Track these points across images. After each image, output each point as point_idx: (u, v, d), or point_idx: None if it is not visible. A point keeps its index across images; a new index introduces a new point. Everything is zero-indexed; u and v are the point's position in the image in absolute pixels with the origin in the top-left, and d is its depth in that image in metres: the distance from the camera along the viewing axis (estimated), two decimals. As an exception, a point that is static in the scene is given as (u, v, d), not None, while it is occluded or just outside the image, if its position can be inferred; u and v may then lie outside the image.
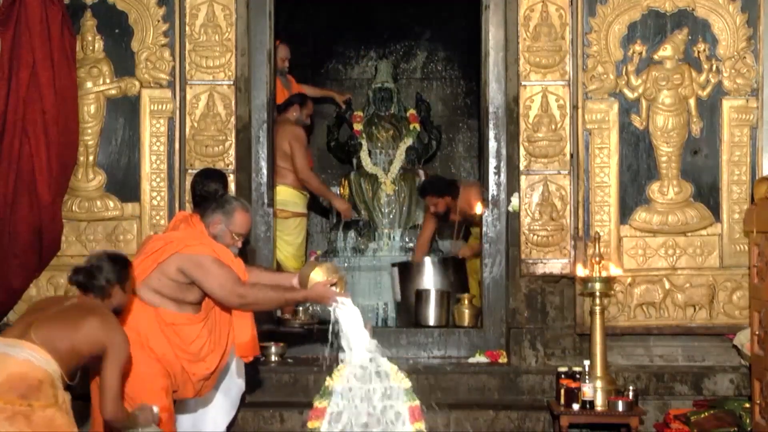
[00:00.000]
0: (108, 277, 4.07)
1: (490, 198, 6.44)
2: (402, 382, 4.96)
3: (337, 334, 4.68)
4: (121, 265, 4.14)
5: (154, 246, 4.60)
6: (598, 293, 5.60)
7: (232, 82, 6.28)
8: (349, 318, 4.62)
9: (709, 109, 6.20)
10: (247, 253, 6.31)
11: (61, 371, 3.88)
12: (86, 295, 4.09)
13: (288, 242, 7.35)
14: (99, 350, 3.91)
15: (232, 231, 4.66)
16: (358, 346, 4.62)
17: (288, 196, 7.33)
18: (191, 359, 4.58)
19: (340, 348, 4.69)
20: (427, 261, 7.48)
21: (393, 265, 7.71)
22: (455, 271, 7.48)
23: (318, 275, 4.66)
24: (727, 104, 6.19)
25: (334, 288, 4.64)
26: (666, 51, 6.21)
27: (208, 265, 4.52)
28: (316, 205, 8.40)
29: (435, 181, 7.99)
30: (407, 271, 7.50)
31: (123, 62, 6.31)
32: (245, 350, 4.82)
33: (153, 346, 4.50)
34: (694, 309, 6.15)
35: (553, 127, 6.19)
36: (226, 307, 4.67)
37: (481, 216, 6.56)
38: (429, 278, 7.35)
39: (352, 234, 8.54)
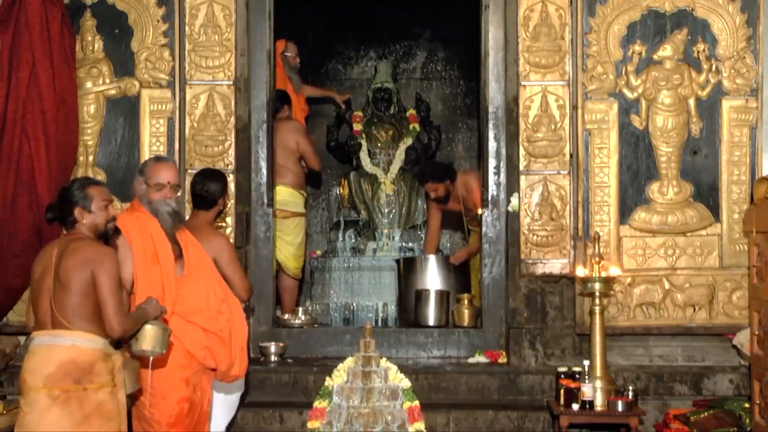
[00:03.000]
0: (70, 201, 4.18)
1: (489, 198, 6.44)
2: (401, 382, 4.97)
3: None
4: (77, 186, 4.22)
5: None
6: (597, 293, 5.60)
7: (231, 82, 6.28)
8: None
9: (709, 109, 6.20)
10: (246, 253, 6.33)
11: (104, 339, 4.05)
12: (63, 234, 4.21)
13: (288, 242, 7.36)
14: (92, 279, 4.00)
15: (152, 184, 4.61)
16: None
17: (288, 195, 7.34)
18: (208, 316, 4.54)
19: None
20: (431, 259, 7.48)
21: (396, 261, 7.73)
22: (457, 270, 7.48)
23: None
24: (726, 104, 6.19)
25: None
26: (666, 51, 6.21)
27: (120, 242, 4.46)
28: (316, 204, 8.40)
29: (433, 166, 8.05)
30: (410, 268, 7.51)
31: (122, 62, 6.31)
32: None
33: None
34: (694, 309, 6.15)
35: (553, 127, 6.19)
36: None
37: (481, 216, 6.56)
38: (432, 276, 7.34)
39: (351, 234, 8.54)
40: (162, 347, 4.18)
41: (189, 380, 4.52)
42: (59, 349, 4.00)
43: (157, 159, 4.86)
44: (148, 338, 4.13)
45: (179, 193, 4.71)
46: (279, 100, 7.63)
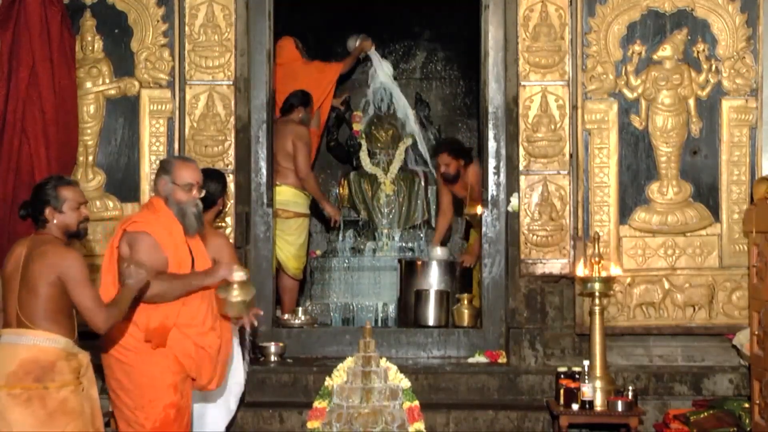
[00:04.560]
0: (42, 200, 4.21)
1: (489, 198, 6.44)
2: (401, 382, 4.98)
3: None
4: (50, 186, 4.23)
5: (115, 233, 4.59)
6: (597, 293, 5.61)
7: (231, 82, 6.28)
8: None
9: (709, 109, 6.20)
10: (246, 253, 6.33)
11: (67, 338, 4.06)
12: (33, 233, 4.22)
13: (290, 242, 7.36)
14: (60, 283, 4.02)
15: (180, 184, 4.56)
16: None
17: (290, 196, 7.34)
18: (200, 331, 4.52)
19: None
20: (433, 263, 7.44)
21: (399, 261, 7.73)
22: (461, 275, 7.46)
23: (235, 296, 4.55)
24: (726, 104, 6.19)
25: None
26: (665, 51, 6.21)
27: (139, 243, 4.42)
28: (317, 207, 8.39)
29: (451, 141, 7.95)
30: (412, 270, 7.49)
31: (122, 62, 6.31)
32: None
33: None
34: (694, 309, 6.15)
35: (553, 127, 6.19)
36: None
37: (481, 216, 6.56)
38: (434, 279, 7.32)
39: (351, 234, 8.54)
40: (248, 294, 4.52)
41: (177, 386, 4.49)
42: (21, 348, 4.01)
43: (183, 159, 4.86)
44: (240, 293, 4.47)
45: (203, 194, 4.70)
46: (298, 100, 7.61)
